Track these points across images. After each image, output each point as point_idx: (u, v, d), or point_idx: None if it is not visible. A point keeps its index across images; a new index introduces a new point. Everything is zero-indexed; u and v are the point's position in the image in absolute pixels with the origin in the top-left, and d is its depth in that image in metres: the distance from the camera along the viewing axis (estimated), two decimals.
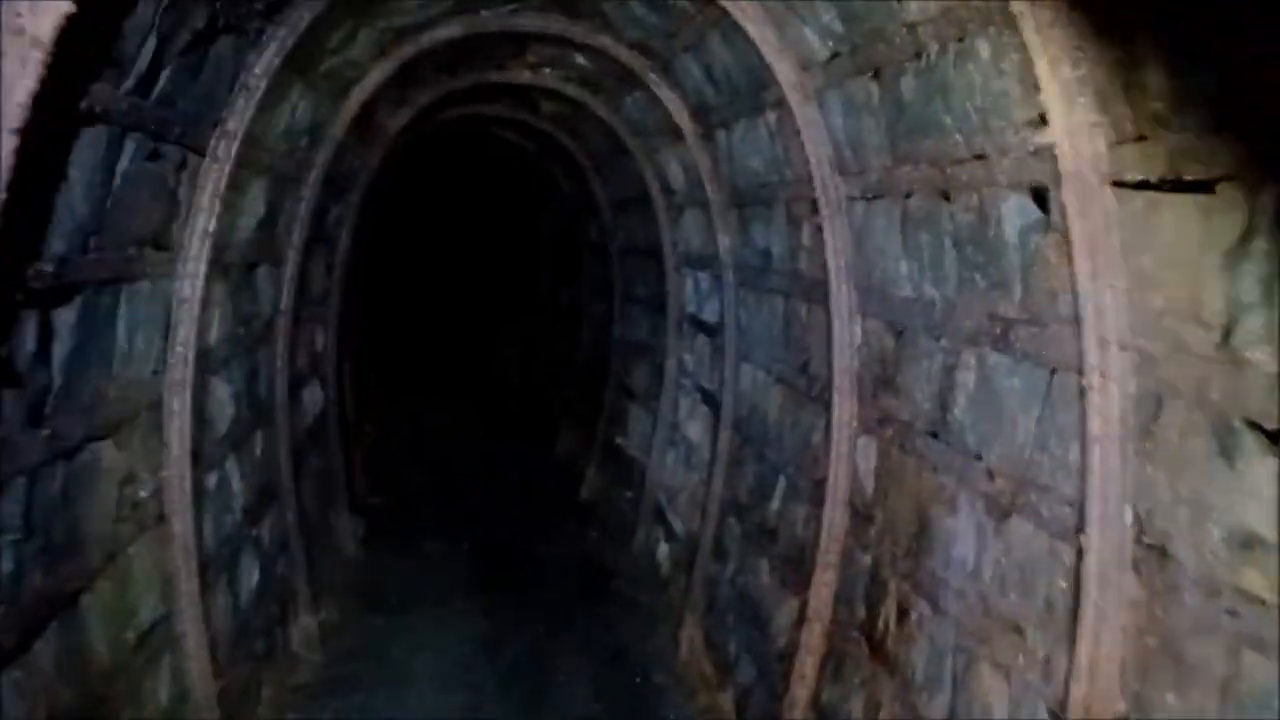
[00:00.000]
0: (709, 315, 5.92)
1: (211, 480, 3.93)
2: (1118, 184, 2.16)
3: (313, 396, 6.35)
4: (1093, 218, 2.21)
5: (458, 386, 13.26)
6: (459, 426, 11.51)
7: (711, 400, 5.75)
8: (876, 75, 3.19)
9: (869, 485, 3.61)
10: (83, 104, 2.16)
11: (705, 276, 5.94)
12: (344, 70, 4.55)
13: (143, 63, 2.45)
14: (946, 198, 2.97)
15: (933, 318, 3.13)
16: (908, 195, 3.19)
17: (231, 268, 4.02)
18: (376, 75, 4.98)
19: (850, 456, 3.70)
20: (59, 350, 2.46)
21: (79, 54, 1.89)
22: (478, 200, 13.22)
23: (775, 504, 4.54)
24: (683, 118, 5.17)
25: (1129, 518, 2.19)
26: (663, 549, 6.35)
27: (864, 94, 3.31)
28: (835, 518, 3.75)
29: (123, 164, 2.58)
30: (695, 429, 6.13)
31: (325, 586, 5.82)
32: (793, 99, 3.64)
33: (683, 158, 5.61)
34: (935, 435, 3.14)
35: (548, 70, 6.33)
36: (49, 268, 2.23)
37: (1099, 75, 2.13)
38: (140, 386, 3.08)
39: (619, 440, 7.85)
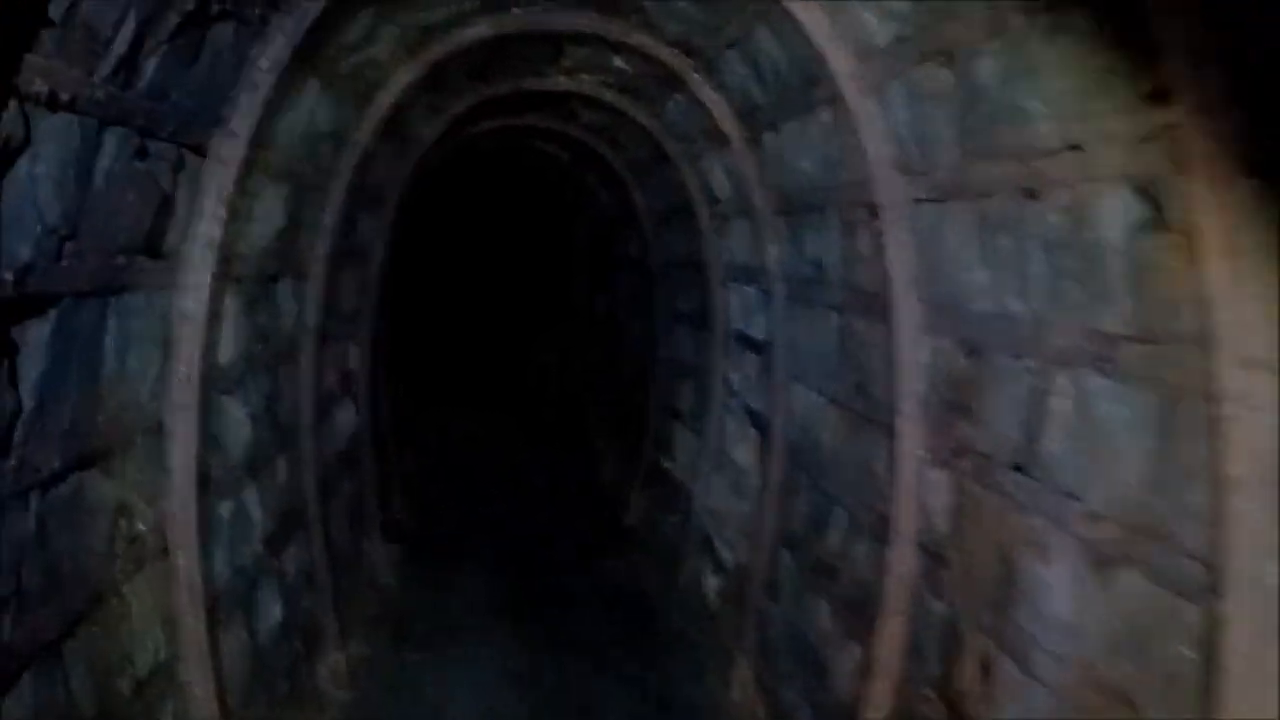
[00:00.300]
0: (757, 332, 5.55)
1: (226, 509, 3.66)
2: (1265, 171, 1.78)
3: (344, 417, 6.10)
4: (1231, 211, 1.82)
5: (495, 397, 13.05)
6: (497, 438, 11.29)
7: (761, 422, 5.38)
8: (947, 59, 2.83)
9: (942, 523, 3.21)
10: (39, 89, 1.89)
11: (752, 290, 5.57)
12: (367, 71, 4.30)
13: (120, 47, 2.19)
14: (1032, 196, 2.59)
15: (1017, 335, 2.74)
16: (984, 195, 2.81)
17: (246, 280, 3.76)
18: (403, 78, 4.72)
19: (919, 490, 3.31)
20: (29, 370, 2.19)
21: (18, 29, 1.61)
22: (515, 213, 13.01)
23: (833, 539, 4.15)
24: (727, 120, 4.83)
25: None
26: (711, 581, 5.97)
27: (932, 82, 2.94)
28: (903, 558, 3.36)
29: (103, 161, 2.31)
30: (744, 453, 5.75)
31: (355, 619, 5.54)
32: (849, 92, 3.29)
33: (727, 164, 5.27)
34: (1021, 470, 2.75)
35: (585, 76, 6.05)
36: (8, 276, 1.96)
37: (1242, 31, 1.75)
38: (136, 409, 2.82)
39: (664, 463, 7.50)
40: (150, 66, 2.42)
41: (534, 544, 7.62)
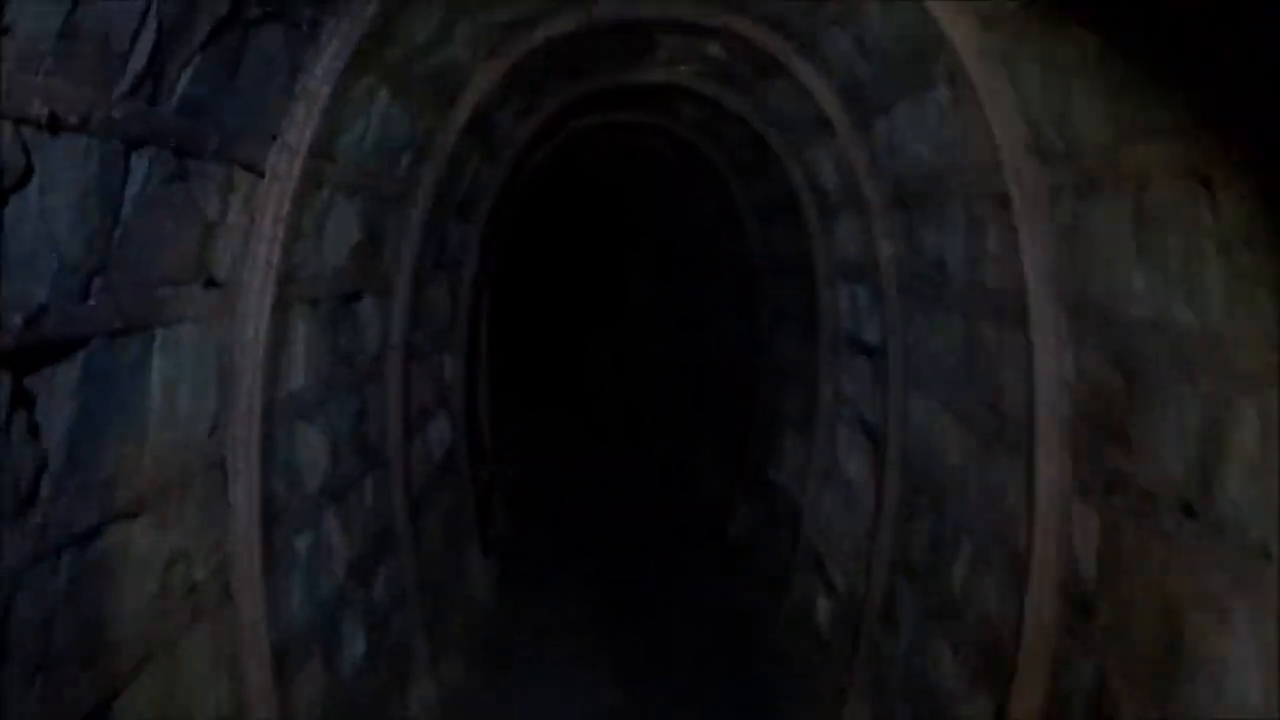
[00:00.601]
0: (869, 334, 5.11)
1: (302, 542, 3.49)
2: None
3: (439, 431, 5.96)
4: None
5: (597, 407, 12.92)
6: (598, 445, 11.18)
7: (875, 434, 4.94)
8: (1090, 21, 2.37)
9: (1089, 568, 2.75)
10: (38, 111, 1.68)
11: (863, 289, 5.13)
12: (445, 74, 4.07)
13: (139, 60, 1.98)
14: (1206, 184, 2.12)
15: (1185, 350, 2.27)
16: (1143, 183, 2.34)
17: (321, 301, 3.59)
18: (485, 80, 4.49)
19: (1063, 527, 2.85)
20: (56, 420, 2.01)
21: None
22: (615, 215, 12.77)
23: (959, 571, 3.70)
24: (832, 105, 4.41)
25: None
26: (822, 605, 5.55)
27: (1074, 49, 2.49)
28: (1043, 604, 2.90)
29: (133, 187, 2.12)
30: (856, 466, 5.32)
31: (450, 641, 5.37)
32: (971, 66, 2.85)
33: (834, 153, 4.84)
34: (1192, 513, 2.28)
35: (681, 67, 5.71)
36: (17, 321, 1.77)
37: None
38: (191, 448, 2.64)
39: (770, 473, 7.11)
40: (183, 80, 2.22)
41: (636, 553, 7.41)
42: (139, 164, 2.13)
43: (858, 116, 4.31)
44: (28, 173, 1.74)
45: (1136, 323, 2.47)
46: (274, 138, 2.77)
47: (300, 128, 2.82)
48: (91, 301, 2.06)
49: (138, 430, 2.36)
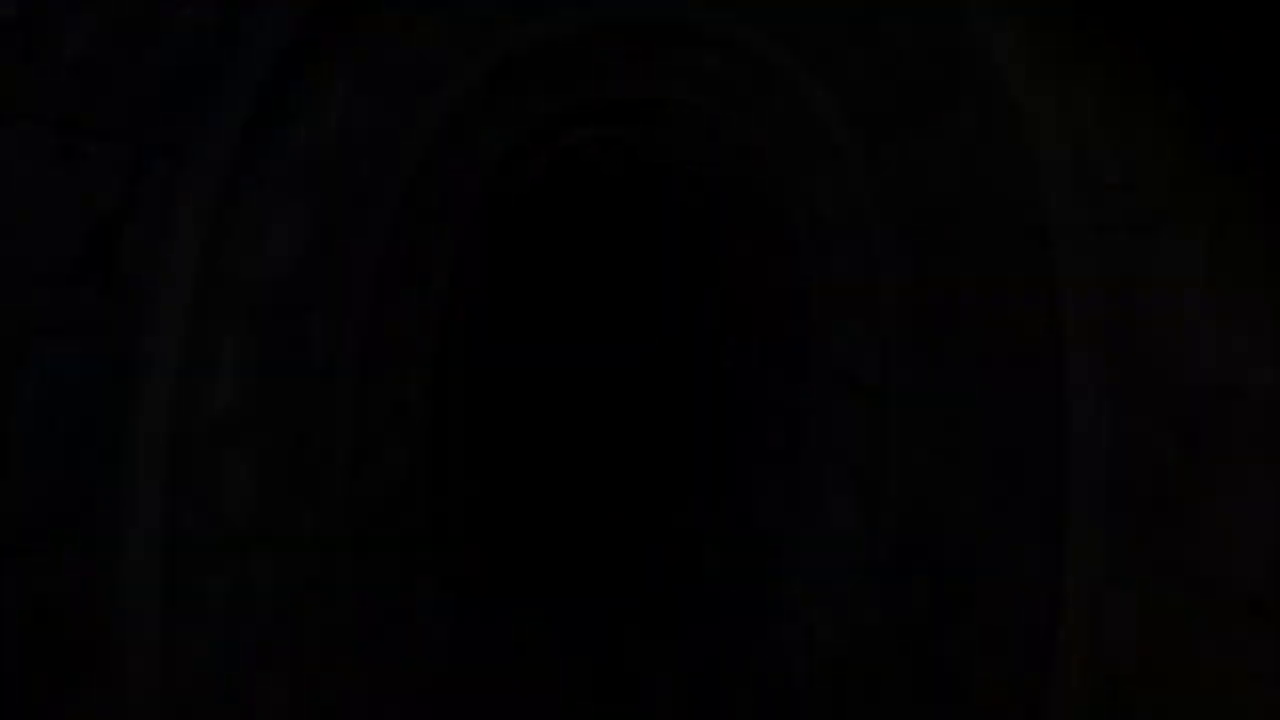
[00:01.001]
0: (866, 374, 4.74)
1: (217, 587, 3.05)
2: None
3: (396, 453, 5.52)
4: None
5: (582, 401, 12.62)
6: (583, 456, 10.82)
7: (866, 479, 4.56)
8: (1164, 27, 2.01)
9: (1125, 666, 2.36)
10: None
11: (862, 324, 4.77)
12: (416, 68, 3.68)
13: (2, 10, 1.57)
14: None
15: (1265, 421, 1.90)
16: (1223, 219, 1.98)
17: (257, 312, 3.17)
18: (465, 77, 4.10)
19: (1096, 613, 2.46)
20: None
21: None
22: (603, 233, 12.41)
23: (960, 643, 3.31)
24: (839, 125, 4.06)
25: None
26: (800, 661, 5.15)
27: (1141, 60, 2.13)
28: (1069, 698, 2.51)
29: None
30: (844, 513, 4.93)
31: (395, 690, 4.92)
32: (1013, 81, 2.49)
33: (837, 176, 4.49)
34: (1264, 611, 1.90)
35: (676, 80, 5.36)
36: None
37: None
38: (69, 484, 2.21)
39: (750, 511, 6.71)
40: (72, 41, 1.81)
41: (607, 589, 7.03)
42: (4, 139, 1.72)
43: (867, 137, 3.95)
44: None
45: (1203, 386, 2.10)
46: (199, 119, 2.36)
47: (234, 109, 2.41)
48: None
49: None
